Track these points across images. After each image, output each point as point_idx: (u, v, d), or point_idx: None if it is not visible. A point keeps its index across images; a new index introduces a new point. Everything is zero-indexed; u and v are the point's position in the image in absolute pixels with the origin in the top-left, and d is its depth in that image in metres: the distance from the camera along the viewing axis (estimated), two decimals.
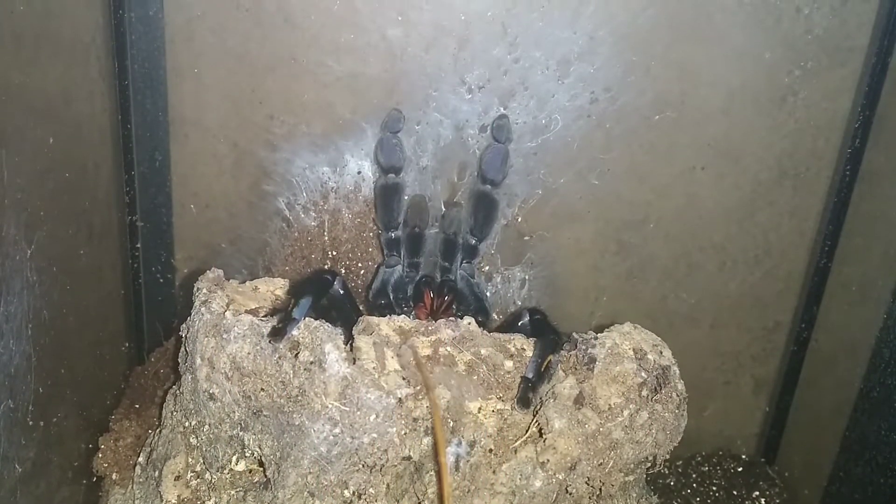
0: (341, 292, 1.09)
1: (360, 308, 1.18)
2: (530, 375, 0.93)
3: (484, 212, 1.15)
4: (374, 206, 1.21)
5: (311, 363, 0.89)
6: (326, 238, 1.25)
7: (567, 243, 1.28)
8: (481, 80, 1.16)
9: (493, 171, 1.14)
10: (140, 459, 1.06)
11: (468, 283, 1.19)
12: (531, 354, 0.96)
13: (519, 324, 1.10)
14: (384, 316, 0.99)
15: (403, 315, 0.99)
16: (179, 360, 1.01)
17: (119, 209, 1.19)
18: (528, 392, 0.92)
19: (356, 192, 1.23)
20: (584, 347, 0.97)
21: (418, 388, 0.90)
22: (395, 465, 0.90)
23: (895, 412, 1.08)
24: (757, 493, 1.34)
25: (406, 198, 1.18)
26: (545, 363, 0.94)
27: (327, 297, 1.06)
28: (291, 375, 0.89)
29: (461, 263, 1.18)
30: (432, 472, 0.92)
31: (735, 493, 1.34)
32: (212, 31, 1.15)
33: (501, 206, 1.19)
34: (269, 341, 0.90)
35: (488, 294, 1.27)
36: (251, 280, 1.09)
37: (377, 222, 1.20)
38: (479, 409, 0.92)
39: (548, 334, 1.00)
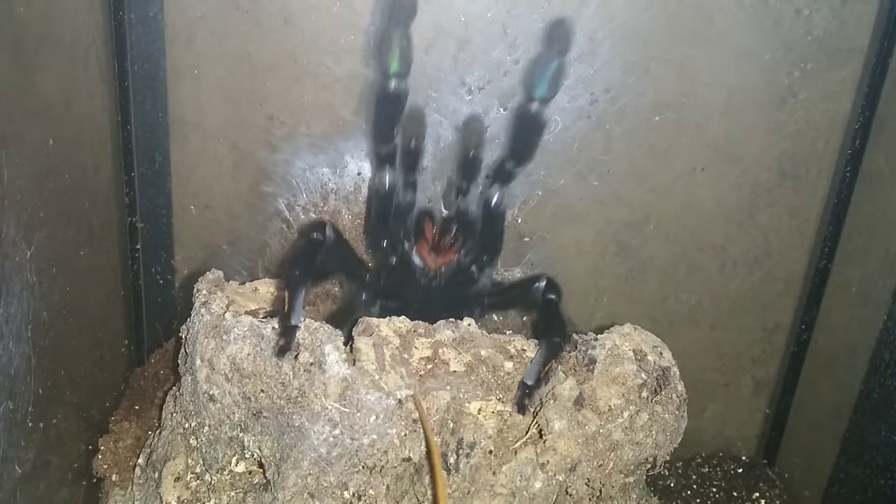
0: (334, 238, 1.03)
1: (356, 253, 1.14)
2: (529, 382, 0.92)
3: (527, 134, 1.02)
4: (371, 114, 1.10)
5: (311, 364, 0.89)
6: None
7: (567, 244, 1.28)
8: (481, 82, 1.16)
9: (540, 87, 0.99)
10: (140, 461, 1.06)
11: (489, 213, 1.07)
12: (533, 356, 0.96)
13: (534, 286, 1.07)
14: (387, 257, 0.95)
15: (404, 317, 0.98)
16: (179, 362, 1.01)
17: (119, 210, 1.19)
18: (524, 399, 0.92)
19: (356, 193, 1.22)
20: (584, 349, 0.97)
21: (418, 389, 0.90)
22: (395, 467, 0.90)
23: (895, 413, 1.08)
24: (757, 494, 1.34)
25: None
26: (546, 369, 0.94)
27: (324, 252, 1.01)
28: (291, 377, 0.89)
29: (491, 185, 1.06)
30: None
31: (735, 494, 1.33)
32: (212, 32, 1.15)
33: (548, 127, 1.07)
34: (277, 359, 0.89)
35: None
36: (251, 281, 1.09)
37: (371, 135, 1.09)
38: (479, 410, 0.92)
39: (553, 335, 0.97)
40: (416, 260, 1.09)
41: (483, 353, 0.95)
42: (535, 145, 1.04)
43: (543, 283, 1.05)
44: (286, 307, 0.92)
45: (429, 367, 0.92)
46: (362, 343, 0.93)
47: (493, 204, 1.07)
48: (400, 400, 0.88)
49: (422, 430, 0.89)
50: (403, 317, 0.98)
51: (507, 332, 1.06)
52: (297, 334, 0.90)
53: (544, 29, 1.13)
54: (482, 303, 1.14)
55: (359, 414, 0.87)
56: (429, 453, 0.88)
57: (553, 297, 1.05)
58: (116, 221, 1.18)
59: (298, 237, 1.23)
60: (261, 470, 0.95)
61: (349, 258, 1.08)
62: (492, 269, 1.05)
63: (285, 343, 0.89)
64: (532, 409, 0.94)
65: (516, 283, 1.18)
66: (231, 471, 0.97)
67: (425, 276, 1.07)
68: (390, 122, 1.02)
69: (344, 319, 1.04)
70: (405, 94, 1.00)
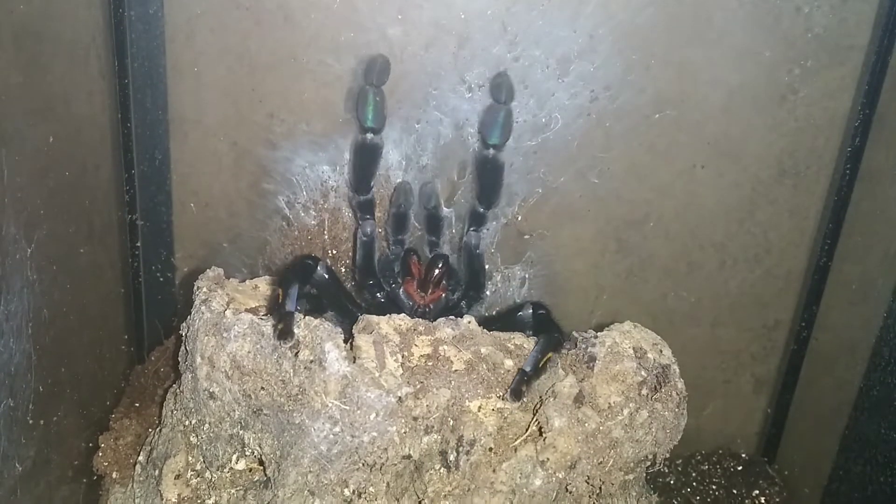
0: (326, 276, 1.07)
1: (348, 289, 1.18)
2: (527, 369, 0.92)
3: (489, 177, 1.09)
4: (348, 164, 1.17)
5: (311, 362, 0.89)
6: (326, 237, 1.25)
7: (567, 242, 1.28)
8: (481, 79, 1.16)
9: (493, 135, 1.06)
10: (140, 458, 1.07)
11: (469, 254, 1.14)
12: (532, 349, 0.96)
13: (518, 314, 1.09)
14: (374, 295, 1.00)
15: (403, 314, 0.99)
16: (179, 359, 1.01)
17: (119, 208, 1.19)
18: (521, 385, 0.91)
19: None
20: (583, 346, 0.97)
21: (418, 386, 0.90)
22: (395, 464, 0.90)
23: (895, 411, 1.08)
24: (757, 491, 1.34)
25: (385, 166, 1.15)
26: (544, 359, 0.94)
27: (314, 284, 1.05)
28: (291, 374, 0.89)
29: (468, 230, 1.13)
30: (432, 471, 0.92)
31: (735, 491, 1.33)
32: (212, 29, 1.15)
33: (506, 168, 1.12)
34: (279, 343, 0.89)
35: (487, 293, 1.27)
36: (251, 279, 1.09)
37: (348, 183, 1.15)
38: (479, 407, 0.92)
39: (552, 332, 0.99)
40: (404, 298, 1.13)
41: (483, 350, 0.95)
42: (500, 186, 1.11)
43: (529, 307, 1.08)
44: (279, 298, 0.92)
45: (429, 364, 0.92)
46: (362, 341, 0.93)
47: (471, 247, 1.14)
48: (400, 397, 0.89)
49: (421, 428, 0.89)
50: (403, 314, 0.98)
51: None
52: (298, 331, 0.90)
53: (543, 28, 1.13)
54: None
55: (359, 411, 0.87)
56: None
57: (543, 311, 1.07)
58: (116, 219, 1.18)
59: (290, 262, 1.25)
60: (261, 467, 0.95)
61: (340, 295, 1.11)
62: (478, 303, 1.09)
63: (284, 326, 0.88)
64: (532, 406, 0.94)
65: (502, 314, 1.22)
66: (231, 468, 0.97)
67: (414, 313, 1.08)
68: (367, 173, 1.10)
69: None
70: (380, 146, 1.09)
